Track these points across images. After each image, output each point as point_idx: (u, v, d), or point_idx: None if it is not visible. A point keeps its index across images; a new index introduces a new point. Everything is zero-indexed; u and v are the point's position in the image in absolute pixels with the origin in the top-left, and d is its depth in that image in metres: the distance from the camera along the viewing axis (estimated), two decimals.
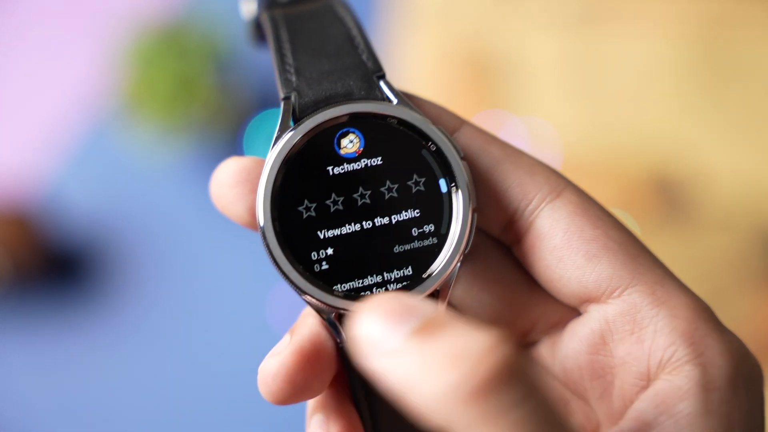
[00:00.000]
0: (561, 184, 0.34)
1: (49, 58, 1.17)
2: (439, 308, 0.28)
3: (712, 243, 0.93)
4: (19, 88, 1.17)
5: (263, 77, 1.10)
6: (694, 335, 0.32)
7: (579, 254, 0.33)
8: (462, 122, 0.36)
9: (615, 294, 0.33)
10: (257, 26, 0.42)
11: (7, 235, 1.02)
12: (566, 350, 0.35)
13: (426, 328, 0.27)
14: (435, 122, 0.35)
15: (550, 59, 1.01)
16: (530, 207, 0.34)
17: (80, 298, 1.07)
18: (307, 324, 0.34)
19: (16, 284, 1.04)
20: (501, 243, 0.37)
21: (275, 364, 0.32)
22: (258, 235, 0.34)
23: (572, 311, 0.36)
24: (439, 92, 1.00)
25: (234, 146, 1.08)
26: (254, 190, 0.35)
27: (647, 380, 0.32)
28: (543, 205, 0.34)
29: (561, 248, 0.34)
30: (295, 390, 0.32)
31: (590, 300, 0.34)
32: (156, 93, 1.01)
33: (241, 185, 0.35)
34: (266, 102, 1.09)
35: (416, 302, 0.28)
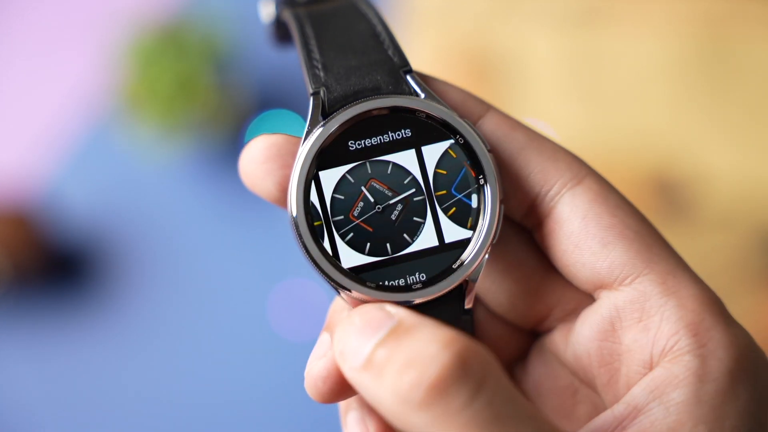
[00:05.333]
0: (583, 171, 0.35)
1: (48, 57, 1.17)
2: (407, 314, 0.29)
3: (712, 243, 0.93)
4: (19, 87, 1.17)
5: (263, 77, 1.10)
6: (700, 327, 0.32)
7: (595, 240, 0.34)
8: (488, 108, 0.36)
9: (627, 281, 0.33)
10: (278, 27, 0.42)
11: (7, 235, 1.02)
12: (577, 336, 0.35)
13: (390, 336, 0.28)
14: (461, 109, 0.36)
15: (551, 59, 1.01)
16: (551, 193, 0.35)
17: (80, 298, 1.07)
18: None
19: (16, 284, 1.04)
20: (522, 228, 0.37)
21: (323, 366, 0.33)
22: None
23: (588, 299, 0.36)
24: None
25: (234, 146, 1.08)
26: (284, 166, 0.35)
27: (650, 368, 0.33)
28: (564, 191, 0.35)
29: (578, 234, 0.34)
30: (344, 388, 0.33)
31: (603, 286, 0.34)
32: (156, 93, 1.01)
33: (270, 161, 0.35)
34: (266, 102, 1.09)
35: (384, 312, 0.29)
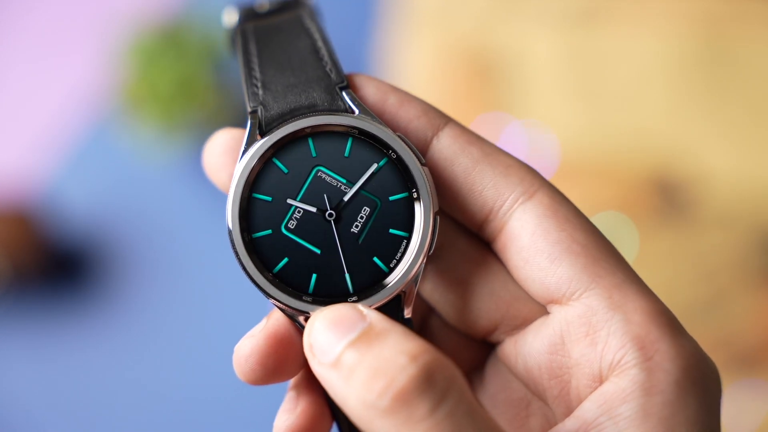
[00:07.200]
0: (535, 185, 0.35)
1: (49, 57, 1.17)
2: (379, 317, 0.30)
3: (712, 243, 0.93)
4: (19, 87, 1.17)
5: None
6: (646, 339, 0.32)
7: (543, 256, 0.34)
8: (447, 121, 0.37)
9: (574, 296, 0.34)
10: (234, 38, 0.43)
11: (7, 235, 1.02)
12: (529, 349, 0.36)
13: (361, 339, 0.29)
14: (418, 121, 0.36)
15: (550, 59, 1.01)
16: (504, 208, 0.35)
17: (80, 298, 1.07)
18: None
19: (16, 284, 1.04)
20: (475, 243, 0.38)
21: (249, 345, 0.34)
22: None
23: (536, 312, 0.36)
24: (438, 94, 0.99)
25: None
26: (237, 160, 0.36)
27: (599, 382, 0.33)
28: (516, 206, 0.35)
29: (527, 249, 0.34)
30: (267, 372, 0.34)
31: (553, 301, 0.35)
32: (156, 93, 1.01)
33: (226, 154, 0.37)
34: None
35: (357, 313, 0.30)
